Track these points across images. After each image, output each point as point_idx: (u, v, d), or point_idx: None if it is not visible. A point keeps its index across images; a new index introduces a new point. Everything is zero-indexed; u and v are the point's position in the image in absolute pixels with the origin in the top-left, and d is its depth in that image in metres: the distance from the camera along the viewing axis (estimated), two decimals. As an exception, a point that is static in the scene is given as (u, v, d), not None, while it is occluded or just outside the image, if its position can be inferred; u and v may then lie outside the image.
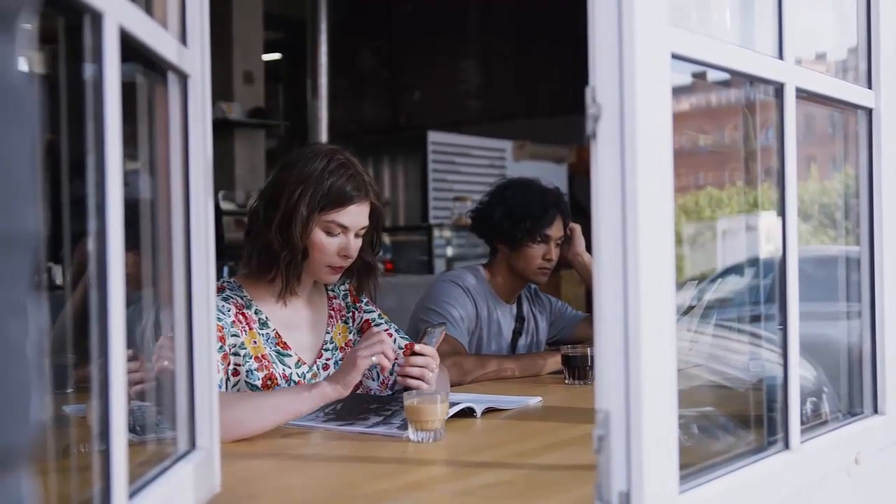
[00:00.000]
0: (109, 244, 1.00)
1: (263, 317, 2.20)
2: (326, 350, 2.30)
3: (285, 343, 2.21)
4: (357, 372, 1.94)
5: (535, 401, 2.33)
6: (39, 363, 0.58)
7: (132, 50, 1.11)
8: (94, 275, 1.00)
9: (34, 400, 0.58)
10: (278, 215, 2.14)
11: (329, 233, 2.17)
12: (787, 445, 1.49)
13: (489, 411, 2.16)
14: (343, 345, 2.33)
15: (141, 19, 1.12)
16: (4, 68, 0.56)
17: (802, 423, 1.53)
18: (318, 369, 2.25)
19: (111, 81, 1.01)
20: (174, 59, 1.28)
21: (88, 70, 1.01)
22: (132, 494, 1.08)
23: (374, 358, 1.95)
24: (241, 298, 2.18)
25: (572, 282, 6.58)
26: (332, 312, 2.35)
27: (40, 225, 0.59)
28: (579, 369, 2.61)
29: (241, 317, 2.14)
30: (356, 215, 2.19)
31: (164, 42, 1.23)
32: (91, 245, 1.00)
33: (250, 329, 2.16)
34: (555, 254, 2.98)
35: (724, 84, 1.70)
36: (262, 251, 2.18)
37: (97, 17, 0.99)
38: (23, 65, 0.58)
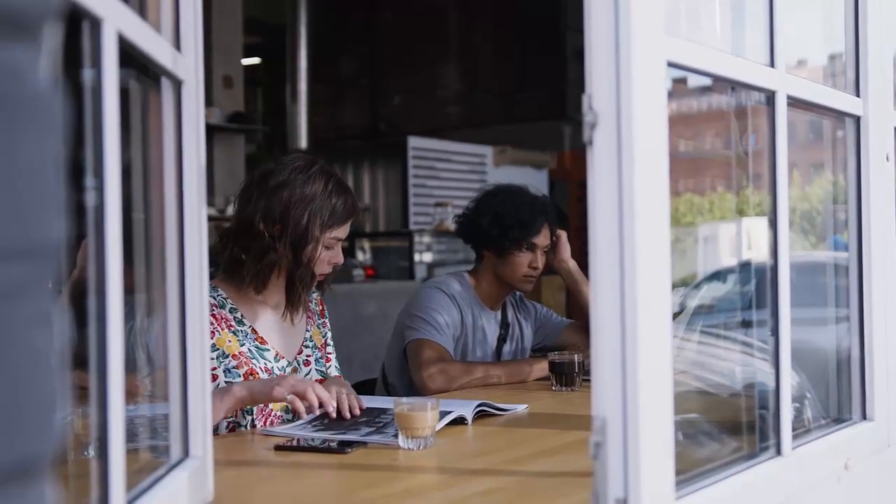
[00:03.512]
0: (108, 249, 0.99)
1: (239, 315, 2.26)
2: (307, 347, 2.39)
3: (262, 338, 2.28)
4: (268, 399, 2.01)
5: (522, 408, 2.33)
6: (62, 372, 0.58)
7: (127, 55, 1.10)
8: (93, 280, 0.99)
9: (58, 410, 0.57)
10: (288, 237, 2.21)
11: (328, 248, 2.28)
12: (779, 451, 1.50)
13: (481, 415, 2.17)
14: (320, 345, 2.44)
15: (138, 25, 1.11)
16: (31, 77, 0.56)
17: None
18: (298, 364, 2.35)
19: (110, 87, 1.00)
20: (169, 65, 1.27)
21: (86, 75, 1.01)
22: (129, 503, 1.07)
23: (289, 397, 1.99)
24: (215, 298, 2.21)
25: (553, 287, 6.60)
26: (310, 313, 2.45)
27: (62, 234, 0.59)
28: (566, 376, 2.61)
29: (211, 318, 2.17)
30: (348, 227, 2.33)
31: (160, 47, 1.23)
32: (90, 251, 0.99)
33: (223, 330, 2.21)
34: (541, 262, 2.99)
35: (705, 90, 1.71)
36: (269, 268, 2.24)
37: (96, 23, 0.98)
38: (49, 72, 0.58)
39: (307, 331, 2.41)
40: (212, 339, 2.15)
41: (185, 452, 1.35)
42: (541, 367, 2.78)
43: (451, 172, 8.30)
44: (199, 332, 1.37)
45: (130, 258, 1.30)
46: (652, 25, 1.19)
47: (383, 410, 2.15)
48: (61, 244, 0.59)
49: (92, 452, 1.14)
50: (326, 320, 2.50)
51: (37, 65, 0.56)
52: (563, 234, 3.10)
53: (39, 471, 0.55)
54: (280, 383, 2.00)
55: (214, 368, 2.14)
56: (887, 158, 1.86)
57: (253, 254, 2.22)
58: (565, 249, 3.10)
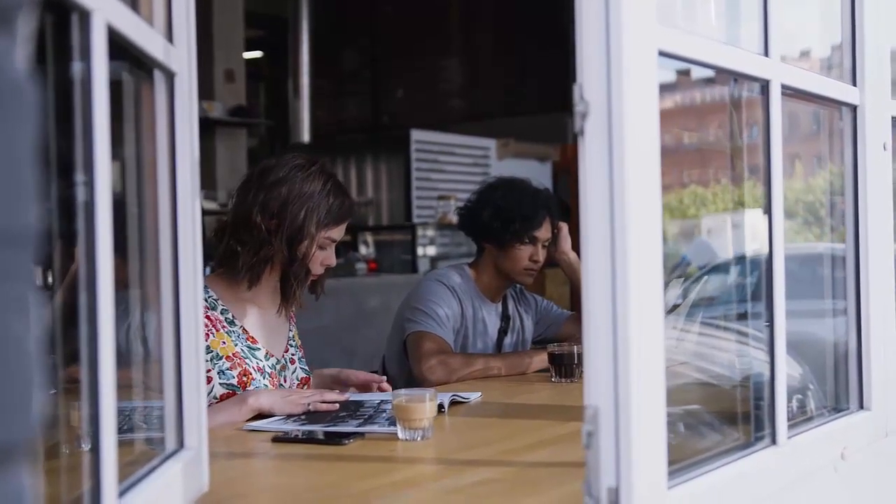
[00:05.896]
0: (98, 244, 0.99)
1: (230, 315, 2.28)
2: (291, 345, 2.43)
3: (253, 338, 2.31)
4: (290, 413, 2.10)
5: (475, 396, 2.36)
6: (41, 359, 0.59)
7: (118, 48, 1.10)
8: (83, 275, 1.00)
9: (36, 396, 0.58)
10: (284, 232, 2.23)
11: (321, 247, 2.30)
12: (774, 441, 1.50)
13: (454, 404, 2.22)
14: (299, 345, 2.48)
15: (128, 17, 1.11)
16: (6, 66, 0.56)
17: (789, 419, 1.54)
18: (286, 362, 2.39)
19: (99, 80, 1.00)
20: (161, 57, 1.27)
21: (76, 68, 1.01)
22: (121, 493, 1.08)
23: (310, 407, 2.11)
24: (206, 300, 2.22)
25: (556, 280, 6.60)
26: (292, 314, 2.48)
27: (38, 222, 0.59)
28: (565, 367, 2.61)
29: (206, 320, 2.18)
30: (343, 230, 2.35)
31: (152, 40, 1.23)
32: (80, 245, 0.99)
33: (217, 330, 2.24)
34: (542, 255, 2.99)
35: (709, 82, 1.71)
36: (263, 262, 2.26)
37: (85, 15, 0.98)
38: (23, 61, 0.58)
39: (290, 330, 2.45)
40: (206, 340, 2.17)
41: (180, 443, 1.35)
42: (540, 359, 2.78)
43: (454, 166, 8.30)
44: (194, 323, 1.37)
45: (125, 254, 1.31)
46: (643, 14, 1.19)
47: (361, 403, 2.19)
48: (38, 232, 0.59)
49: (88, 445, 1.14)
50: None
51: (12, 53, 0.57)
52: (564, 227, 3.10)
53: (16, 457, 0.56)
54: (301, 399, 2.11)
55: (209, 370, 2.16)
56: (884, 148, 1.86)
57: (249, 247, 2.24)
58: (566, 242, 3.10)
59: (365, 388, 2.41)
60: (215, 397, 2.17)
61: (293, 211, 2.23)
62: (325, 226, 2.27)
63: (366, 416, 2.04)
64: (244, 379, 2.22)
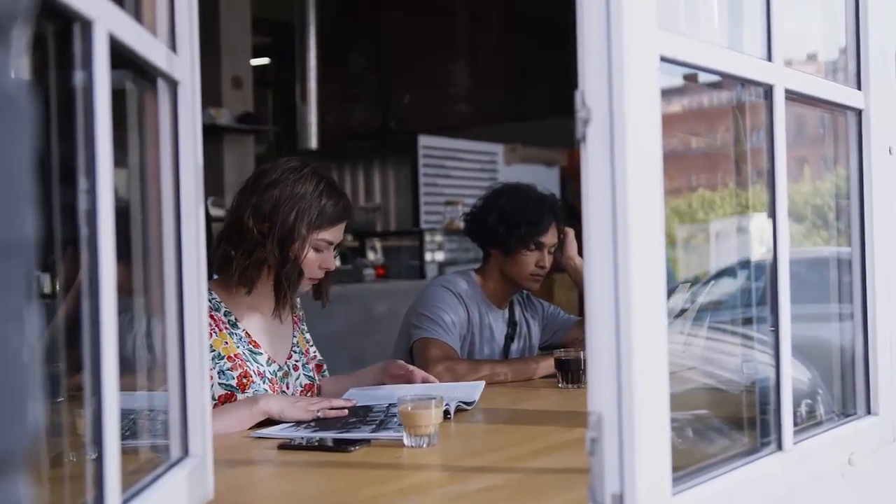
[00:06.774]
0: (101, 252, 1.00)
1: (233, 318, 2.29)
2: (295, 352, 2.43)
3: (256, 342, 2.31)
4: (297, 419, 2.09)
5: (479, 385, 2.39)
6: (36, 369, 0.59)
7: (121, 57, 1.11)
8: (86, 283, 1.00)
9: (31, 406, 0.58)
10: (276, 234, 2.24)
11: (317, 250, 2.30)
12: (780, 446, 1.50)
13: (459, 411, 2.20)
14: (304, 351, 2.47)
15: (130, 26, 1.12)
16: (2, 77, 0.56)
17: (797, 424, 1.53)
18: (289, 368, 2.38)
19: (101, 89, 1.00)
20: (164, 66, 1.27)
21: (78, 77, 1.01)
22: (125, 502, 1.08)
23: (319, 414, 2.10)
24: (210, 301, 2.23)
25: (564, 286, 6.59)
26: (297, 319, 2.48)
27: (36, 232, 0.60)
28: (572, 373, 2.61)
29: (209, 319, 2.19)
30: (341, 232, 2.34)
31: (154, 49, 1.23)
32: (83, 253, 0.99)
33: (220, 331, 2.25)
34: (548, 261, 2.98)
35: (716, 86, 1.71)
36: (257, 265, 2.26)
37: (87, 25, 0.98)
38: (19, 72, 0.59)
39: (294, 336, 2.45)
40: (208, 339, 2.18)
41: (185, 451, 1.35)
42: (546, 364, 2.78)
43: (461, 171, 8.30)
44: (198, 331, 1.37)
45: (130, 262, 1.31)
46: (644, 20, 1.19)
47: (370, 409, 2.18)
48: (36, 242, 0.60)
49: (94, 454, 1.15)
50: (304, 326, 2.54)
51: (7, 64, 0.57)
52: (571, 232, 3.10)
53: (13, 466, 0.56)
54: (309, 406, 2.11)
55: (210, 369, 2.16)
56: (890, 151, 1.85)
57: (242, 251, 2.24)
58: (572, 247, 3.10)
59: (407, 380, 2.42)
60: (214, 397, 2.17)
61: (284, 212, 2.24)
62: (317, 227, 2.27)
63: (377, 422, 2.04)
64: (244, 381, 2.22)
